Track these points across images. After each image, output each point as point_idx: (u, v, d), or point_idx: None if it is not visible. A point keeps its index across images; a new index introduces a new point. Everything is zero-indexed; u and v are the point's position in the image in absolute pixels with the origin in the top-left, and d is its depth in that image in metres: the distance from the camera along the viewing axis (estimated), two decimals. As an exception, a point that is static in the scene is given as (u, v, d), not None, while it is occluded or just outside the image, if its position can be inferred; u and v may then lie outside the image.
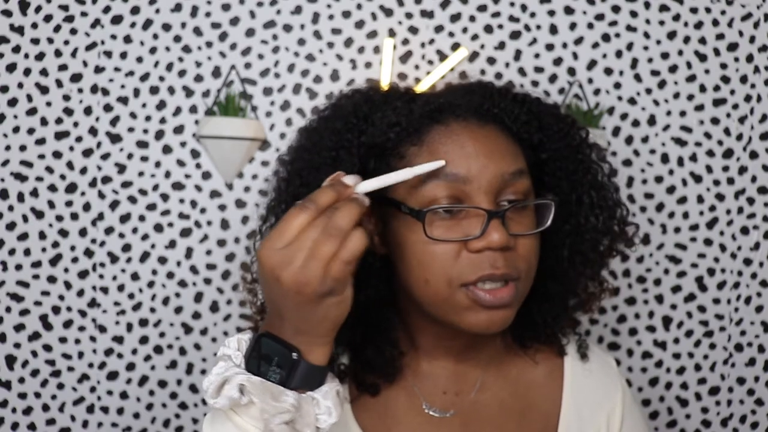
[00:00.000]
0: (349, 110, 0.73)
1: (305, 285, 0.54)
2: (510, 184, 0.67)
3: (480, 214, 0.65)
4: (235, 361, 0.59)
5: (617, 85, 1.17)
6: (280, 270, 0.55)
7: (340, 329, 0.61)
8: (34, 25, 1.10)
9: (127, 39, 1.12)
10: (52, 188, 1.12)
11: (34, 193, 1.12)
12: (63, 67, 1.11)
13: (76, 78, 1.11)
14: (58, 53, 1.11)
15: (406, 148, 0.68)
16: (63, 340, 1.13)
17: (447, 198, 0.65)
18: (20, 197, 1.11)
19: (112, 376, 1.14)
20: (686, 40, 1.17)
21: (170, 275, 1.14)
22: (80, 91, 1.11)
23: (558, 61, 1.17)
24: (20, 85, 1.10)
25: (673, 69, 1.18)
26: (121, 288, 1.14)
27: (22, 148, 1.11)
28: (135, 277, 1.14)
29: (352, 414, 0.73)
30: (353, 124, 0.71)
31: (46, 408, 1.13)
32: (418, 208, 0.65)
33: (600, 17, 1.17)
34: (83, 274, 1.13)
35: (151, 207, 1.13)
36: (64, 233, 1.12)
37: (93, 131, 1.12)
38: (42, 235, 1.12)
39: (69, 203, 1.12)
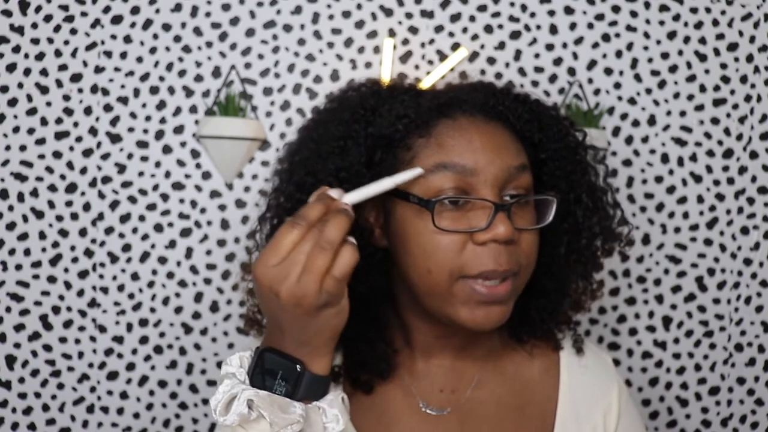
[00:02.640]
0: (357, 102, 0.74)
1: (302, 298, 0.56)
2: (514, 179, 0.68)
3: (486, 206, 0.66)
4: (239, 377, 0.60)
5: (617, 85, 1.17)
6: (277, 285, 0.56)
7: None
8: (34, 25, 1.10)
9: (127, 39, 1.12)
10: (52, 188, 1.12)
11: (34, 193, 1.12)
12: (63, 67, 1.11)
13: (76, 78, 1.11)
14: (58, 53, 1.11)
15: (414, 140, 0.69)
16: (63, 340, 1.13)
17: (453, 189, 0.66)
18: (20, 197, 1.11)
19: (112, 376, 1.14)
20: (686, 40, 1.17)
21: (170, 275, 1.14)
22: (80, 91, 1.11)
23: (558, 61, 1.17)
24: (20, 85, 1.10)
25: (673, 69, 1.18)
26: (121, 288, 1.14)
27: (22, 148, 1.11)
28: (135, 277, 1.14)
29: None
30: (361, 115, 0.72)
31: (46, 408, 1.13)
32: (425, 198, 0.66)
33: (600, 17, 1.17)
34: (83, 274, 1.13)
35: (151, 207, 1.13)
36: (64, 233, 1.12)
37: (93, 131, 1.12)
38: (42, 235, 1.12)
39: (69, 203, 1.12)
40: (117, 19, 1.11)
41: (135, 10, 1.11)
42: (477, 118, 0.70)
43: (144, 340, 1.14)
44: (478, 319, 0.67)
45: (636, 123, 1.18)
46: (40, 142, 1.11)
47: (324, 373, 0.61)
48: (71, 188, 1.12)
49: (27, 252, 1.12)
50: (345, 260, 0.57)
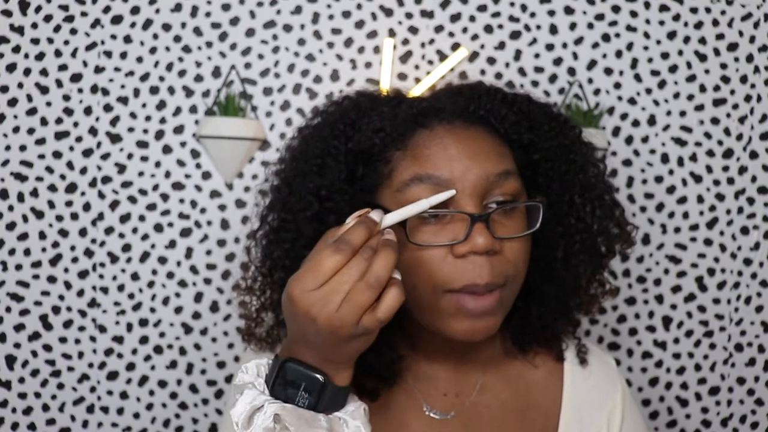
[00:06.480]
0: (336, 117, 0.72)
1: (340, 328, 0.55)
2: (497, 186, 0.66)
3: (465, 218, 0.64)
4: (259, 388, 0.59)
5: (617, 85, 1.17)
6: (316, 311, 0.55)
7: None
8: (34, 25, 1.10)
9: (127, 39, 1.12)
10: (52, 188, 1.12)
11: (34, 193, 1.12)
12: (63, 67, 1.11)
13: (76, 78, 1.11)
14: (58, 53, 1.11)
15: (392, 153, 0.68)
16: (63, 340, 1.13)
17: None
18: (20, 197, 1.11)
19: (112, 376, 1.14)
20: (686, 40, 1.17)
21: (170, 275, 1.14)
22: (80, 91, 1.11)
23: (558, 61, 1.17)
24: (20, 85, 1.10)
25: (673, 69, 1.18)
26: (121, 288, 1.14)
27: (22, 148, 1.11)
28: (135, 277, 1.14)
29: None
30: (340, 131, 0.70)
31: (46, 408, 1.13)
32: None
33: (600, 17, 1.17)
34: (83, 274, 1.13)
35: (151, 207, 1.13)
36: (64, 233, 1.12)
37: (93, 131, 1.12)
38: (42, 235, 1.12)
39: (69, 203, 1.12)
40: (117, 19, 1.11)
41: (135, 10, 1.11)
42: (455, 126, 0.68)
43: (144, 340, 1.14)
44: (467, 332, 0.66)
45: (636, 123, 1.18)
46: (40, 142, 1.11)
47: (346, 384, 0.60)
48: (71, 188, 1.12)
49: (27, 252, 1.12)
50: (390, 302, 0.56)
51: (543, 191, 0.72)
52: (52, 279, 1.12)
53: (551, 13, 1.16)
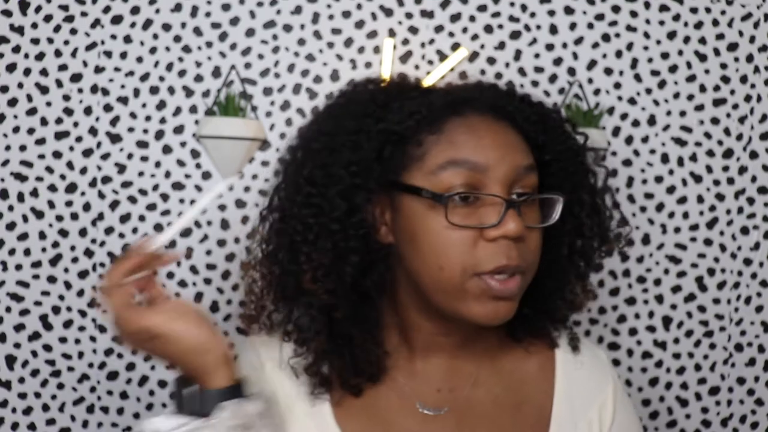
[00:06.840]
0: (368, 97, 0.75)
1: (124, 341, 0.70)
2: (522, 178, 0.69)
3: (496, 202, 0.67)
4: (168, 411, 0.69)
5: (617, 85, 1.17)
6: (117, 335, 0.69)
7: (330, 323, 0.70)
8: (34, 25, 1.10)
9: (127, 39, 1.12)
10: (52, 188, 1.12)
11: (34, 193, 1.12)
12: (63, 67, 1.11)
13: (76, 78, 1.11)
14: (58, 53, 1.11)
15: (425, 137, 0.70)
16: (63, 340, 1.13)
17: (463, 186, 0.67)
18: (20, 197, 1.11)
19: (112, 376, 1.14)
20: (686, 40, 1.17)
21: (170, 275, 1.14)
22: (80, 91, 1.11)
23: (558, 61, 1.17)
24: (20, 85, 1.10)
25: (673, 69, 1.18)
26: (121, 288, 1.13)
27: (22, 148, 1.11)
28: (135, 277, 1.14)
29: (334, 419, 0.73)
30: (372, 111, 0.73)
31: (46, 408, 1.13)
32: (438, 193, 0.67)
33: (600, 17, 1.17)
34: (83, 274, 1.13)
35: (151, 207, 1.13)
36: (64, 233, 1.12)
37: (93, 131, 1.12)
38: (42, 235, 1.12)
39: (69, 203, 1.12)
40: (117, 19, 1.11)
41: (135, 10, 1.11)
42: (487, 117, 0.71)
43: (144, 340, 1.14)
44: (489, 315, 0.68)
45: (636, 123, 1.18)
46: (40, 142, 1.11)
47: (222, 385, 0.65)
48: (71, 188, 1.12)
49: (27, 252, 1.12)
50: (108, 305, 0.67)
51: (552, 190, 0.74)
52: (52, 279, 1.12)
53: (551, 13, 1.16)
